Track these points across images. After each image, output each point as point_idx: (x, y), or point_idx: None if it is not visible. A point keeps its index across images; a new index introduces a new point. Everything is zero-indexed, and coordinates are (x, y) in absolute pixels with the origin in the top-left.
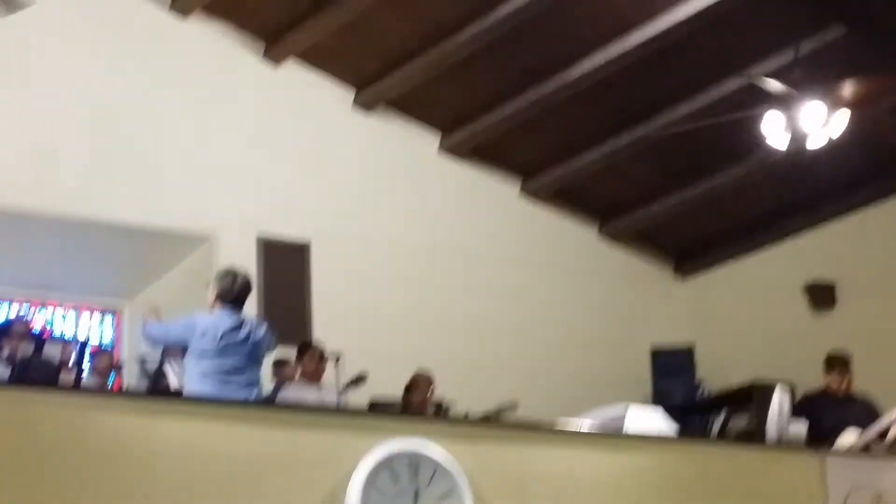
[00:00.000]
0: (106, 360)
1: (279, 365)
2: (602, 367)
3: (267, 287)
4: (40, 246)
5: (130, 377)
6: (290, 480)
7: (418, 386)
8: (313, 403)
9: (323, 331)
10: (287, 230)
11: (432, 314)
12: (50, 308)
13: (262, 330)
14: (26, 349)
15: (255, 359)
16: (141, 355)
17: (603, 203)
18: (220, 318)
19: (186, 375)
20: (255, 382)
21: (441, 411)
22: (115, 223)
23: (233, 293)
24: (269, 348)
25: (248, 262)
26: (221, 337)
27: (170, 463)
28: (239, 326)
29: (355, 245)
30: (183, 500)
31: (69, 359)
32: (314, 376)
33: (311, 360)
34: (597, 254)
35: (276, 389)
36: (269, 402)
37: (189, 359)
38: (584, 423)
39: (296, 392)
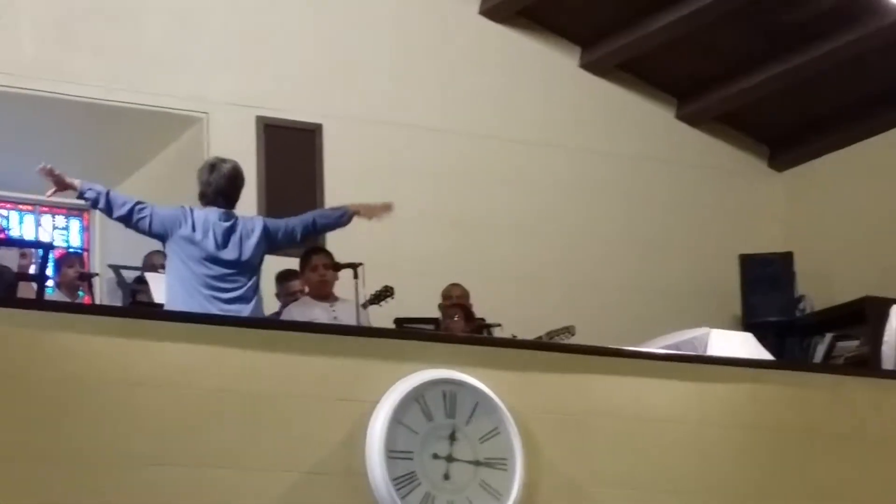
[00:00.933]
0: (74, 268)
1: (284, 278)
2: (679, 278)
3: (269, 179)
4: None
5: (103, 290)
6: (296, 418)
7: (452, 302)
8: (324, 324)
9: (338, 235)
10: (293, 110)
11: (469, 215)
12: (5, 208)
13: (257, 230)
14: None
15: (249, 267)
16: (115, 264)
17: (681, 79)
18: (207, 216)
19: (168, 286)
20: (248, 296)
21: (483, 333)
22: (84, 101)
23: (214, 186)
24: (268, 250)
25: (245, 147)
26: (206, 238)
27: (150, 395)
28: (229, 227)
29: (372, 129)
30: (166, 439)
31: (29, 267)
32: (324, 291)
33: (320, 270)
34: (673, 139)
35: (282, 308)
36: (269, 321)
37: (170, 265)
38: (656, 348)
39: (303, 310)
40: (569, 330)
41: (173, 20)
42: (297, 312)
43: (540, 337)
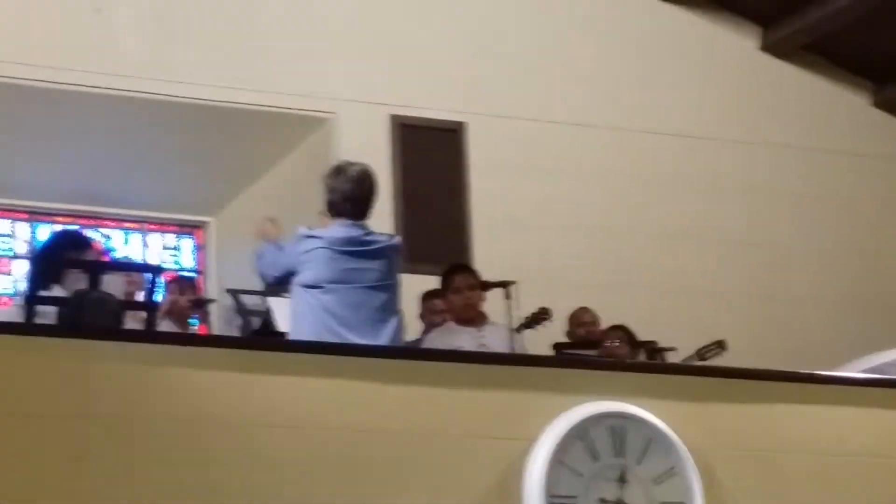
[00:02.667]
0: (186, 294)
1: (430, 297)
2: (874, 291)
3: (405, 183)
4: (93, 141)
5: (220, 318)
6: (443, 459)
7: (586, 328)
8: (473, 352)
9: (485, 250)
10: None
11: (626, 220)
12: (109, 227)
13: (394, 247)
14: (78, 281)
15: (385, 288)
16: (234, 288)
17: (878, 60)
18: (333, 233)
19: (293, 314)
20: (385, 321)
21: (655, 358)
22: (199, 103)
23: (342, 192)
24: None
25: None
26: (335, 258)
27: (276, 435)
28: (360, 243)
29: (520, 127)
30: (292, 485)
31: (136, 294)
32: (469, 314)
33: (464, 291)
34: (869, 130)
35: (427, 332)
36: (410, 350)
37: (296, 290)
38: (854, 372)
39: (446, 338)
40: (720, 345)
41: (295, 11)
42: (439, 340)
43: (690, 356)
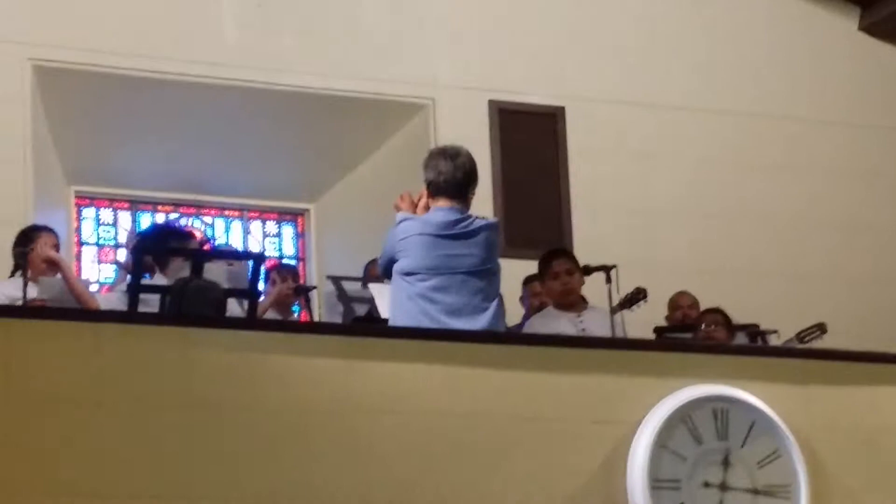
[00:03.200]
0: (287, 282)
1: (531, 281)
2: None
3: (504, 168)
4: (194, 130)
5: (322, 305)
6: (546, 444)
7: (683, 312)
8: (575, 336)
9: (584, 234)
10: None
11: (729, 204)
12: (210, 215)
13: (492, 230)
14: (181, 270)
15: (484, 273)
16: (335, 275)
17: None
18: (430, 218)
19: (392, 301)
20: (485, 306)
21: (755, 340)
22: (298, 90)
23: (446, 176)
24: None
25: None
26: (432, 244)
27: (379, 422)
28: (458, 228)
29: (620, 111)
30: (396, 471)
31: (238, 282)
32: (568, 299)
33: (562, 276)
34: None
35: (528, 316)
36: (512, 336)
37: (394, 278)
38: None
39: (546, 323)
40: (821, 328)
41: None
42: (539, 325)
43: (790, 339)
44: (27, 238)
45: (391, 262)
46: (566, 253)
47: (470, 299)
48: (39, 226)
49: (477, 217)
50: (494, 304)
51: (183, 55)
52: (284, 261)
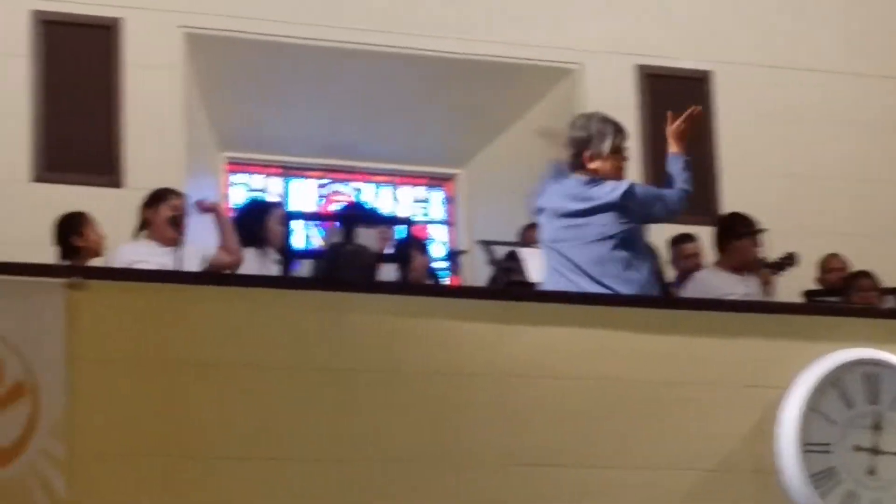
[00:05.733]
0: (435, 247)
1: (681, 242)
2: None
3: (652, 133)
4: (343, 96)
5: (472, 269)
6: (697, 409)
7: (835, 275)
8: (724, 300)
9: (734, 197)
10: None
11: (881, 170)
12: (359, 181)
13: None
14: (334, 235)
15: (615, 238)
16: (485, 239)
17: None
18: (556, 189)
19: (546, 264)
20: (628, 271)
21: None
22: (443, 56)
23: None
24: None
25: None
26: (555, 218)
27: (530, 386)
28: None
29: (769, 75)
30: (548, 435)
31: (389, 246)
32: (755, 265)
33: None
34: None
35: (681, 278)
36: (662, 300)
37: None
38: None
39: (718, 281)
40: None
41: None
42: (708, 283)
43: None
44: (157, 198)
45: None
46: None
47: (609, 268)
48: (169, 189)
49: (606, 182)
50: (640, 268)
51: (333, 21)
52: (433, 226)
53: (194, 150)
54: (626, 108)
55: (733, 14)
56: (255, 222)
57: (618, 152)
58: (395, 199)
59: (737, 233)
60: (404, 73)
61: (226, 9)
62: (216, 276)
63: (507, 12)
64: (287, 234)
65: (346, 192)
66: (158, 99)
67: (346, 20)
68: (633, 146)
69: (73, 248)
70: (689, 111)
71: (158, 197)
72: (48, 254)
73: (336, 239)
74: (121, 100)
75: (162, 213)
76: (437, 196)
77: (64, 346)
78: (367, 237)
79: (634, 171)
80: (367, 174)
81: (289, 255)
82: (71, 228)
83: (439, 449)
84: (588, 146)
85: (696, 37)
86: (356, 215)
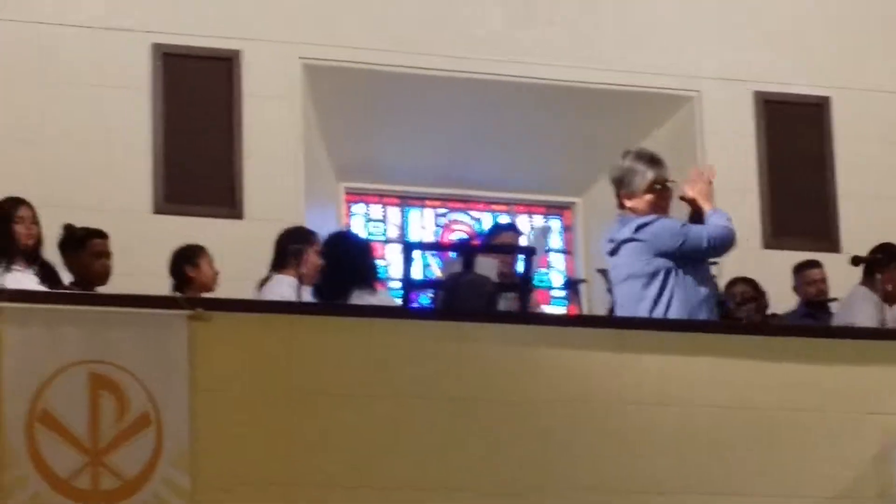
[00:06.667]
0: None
1: (804, 269)
2: None
3: (771, 160)
4: (461, 125)
5: (590, 298)
6: (816, 436)
7: None
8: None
9: (852, 223)
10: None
11: None
12: (477, 210)
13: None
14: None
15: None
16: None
17: None
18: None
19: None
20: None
21: None
22: (559, 83)
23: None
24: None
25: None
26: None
27: (649, 414)
28: (612, 241)
29: (884, 100)
30: (666, 463)
31: (509, 276)
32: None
33: None
34: None
35: (804, 304)
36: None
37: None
38: None
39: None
40: None
41: None
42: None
43: None
44: (306, 238)
45: None
46: None
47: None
48: (314, 232)
49: (636, 219)
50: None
51: (449, 51)
52: (552, 254)
53: (313, 180)
54: (743, 134)
55: (851, 39)
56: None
57: (653, 189)
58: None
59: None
60: (521, 102)
61: (343, 40)
62: (336, 306)
63: (624, 40)
64: (372, 263)
65: (465, 222)
66: (277, 130)
67: (463, 50)
68: (751, 172)
69: (186, 278)
70: (705, 170)
71: (306, 238)
72: (169, 285)
73: (455, 269)
74: (240, 131)
75: (312, 259)
76: (556, 225)
77: (187, 376)
78: (485, 266)
79: (752, 197)
80: (484, 203)
81: (408, 286)
82: (186, 259)
83: (559, 476)
84: (621, 186)
85: (813, 62)
86: (476, 246)
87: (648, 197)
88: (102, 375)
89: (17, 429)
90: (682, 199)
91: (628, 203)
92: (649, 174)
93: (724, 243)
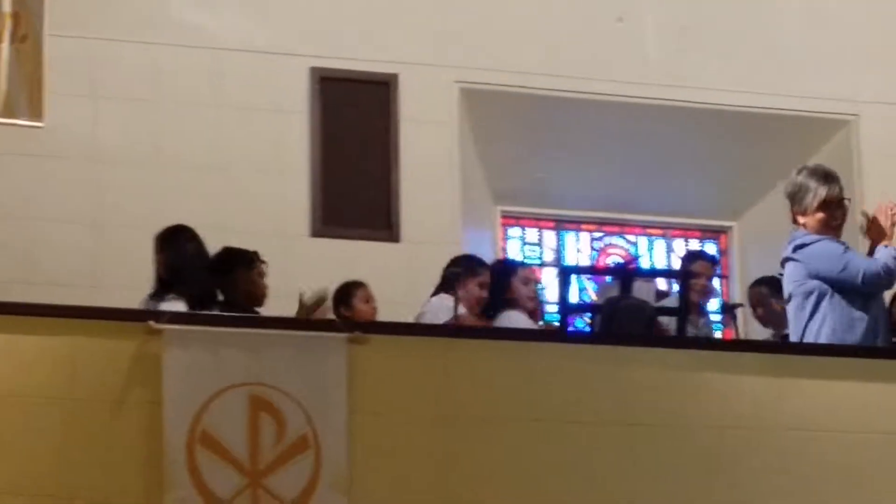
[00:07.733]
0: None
1: None
2: None
3: None
4: (616, 148)
5: (746, 322)
6: None
7: None
8: None
9: None
10: None
11: None
12: (633, 234)
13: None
14: (609, 289)
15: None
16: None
17: None
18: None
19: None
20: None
21: None
22: (715, 108)
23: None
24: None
25: None
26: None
27: (814, 440)
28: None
29: None
30: (831, 490)
31: (665, 300)
32: None
33: None
34: None
35: None
36: None
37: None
38: None
39: None
40: None
41: (812, 13)
42: None
43: None
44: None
45: None
46: None
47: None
48: (481, 261)
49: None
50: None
51: (606, 75)
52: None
53: (469, 203)
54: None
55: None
56: (501, 283)
57: (825, 207)
58: (670, 251)
59: None
60: (677, 126)
61: (500, 63)
62: (493, 330)
63: (780, 64)
64: (534, 292)
65: (620, 245)
66: (434, 153)
67: (619, 73)
68: None
69: (343, 317)
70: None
71: (473, 270)
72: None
73: (612, 293)
74: (397, 154)
75: (473, 290)
76: (711, 248)
77: (345, 399)
78: (642, 291)
79: None
80: (640, 227)
81: (565, 310)
82: (340, 301)
83: (707, 501)
84: (794, 202)
85: None
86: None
87: (819, 215)
88: (262, 397)
89: (179, 450)
90: (863, 214)
91: (801, 219)
92: (821, 191)
93: (876, 283)
